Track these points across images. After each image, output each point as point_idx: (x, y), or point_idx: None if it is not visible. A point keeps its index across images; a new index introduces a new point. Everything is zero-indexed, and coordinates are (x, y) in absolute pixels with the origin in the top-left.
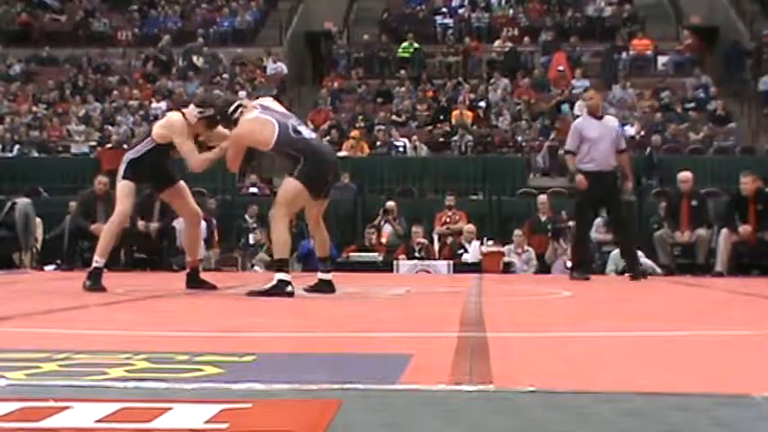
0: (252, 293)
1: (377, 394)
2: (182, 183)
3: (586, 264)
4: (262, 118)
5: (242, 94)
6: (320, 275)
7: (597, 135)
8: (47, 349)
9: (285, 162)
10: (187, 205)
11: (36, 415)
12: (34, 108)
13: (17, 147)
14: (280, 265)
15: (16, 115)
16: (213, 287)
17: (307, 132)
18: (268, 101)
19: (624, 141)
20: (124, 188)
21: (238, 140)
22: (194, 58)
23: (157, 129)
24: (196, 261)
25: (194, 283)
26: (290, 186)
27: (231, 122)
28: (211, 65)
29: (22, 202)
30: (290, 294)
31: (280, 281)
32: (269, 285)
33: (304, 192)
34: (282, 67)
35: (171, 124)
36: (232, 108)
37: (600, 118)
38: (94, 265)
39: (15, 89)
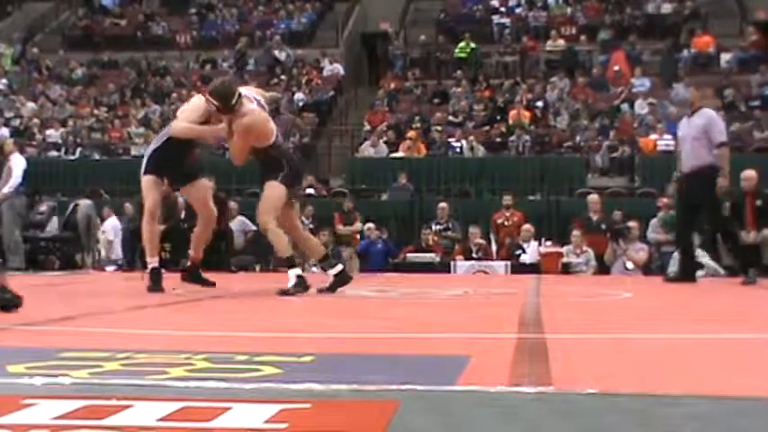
0: (282, 293)
1: (435, 395)
2: (204, 181)
3: (745, 266)
4: (264, 113)
5: (299, 96)
6: (330, 272)
7: (682, 134)
8: (109, 349)
9: (262, 163)
10: (204, 204)
11: (99, 413)
12: (95, 111)
13: (79, 149)
14: (291, 263)
15: (78, 118)
16: (212, 284)
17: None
18: (255, 91)
19: (720, 134)
20: (147, 183)
21: (245, 132)
22: (276, 53)
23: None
24: (198, 257)
25: (192, 278)
26: (274, 192)
27: (229, 110)
28: (290, 61)
29: (84, 203)
30: (308, 287)
31: (298, 276)
32: (291, 284)
33: (285, 194)
34: (339, 68)
35: (189, 102)
36: (234, 98)
37: (693, 114)
38: (150, 266)
39: (77, 93)
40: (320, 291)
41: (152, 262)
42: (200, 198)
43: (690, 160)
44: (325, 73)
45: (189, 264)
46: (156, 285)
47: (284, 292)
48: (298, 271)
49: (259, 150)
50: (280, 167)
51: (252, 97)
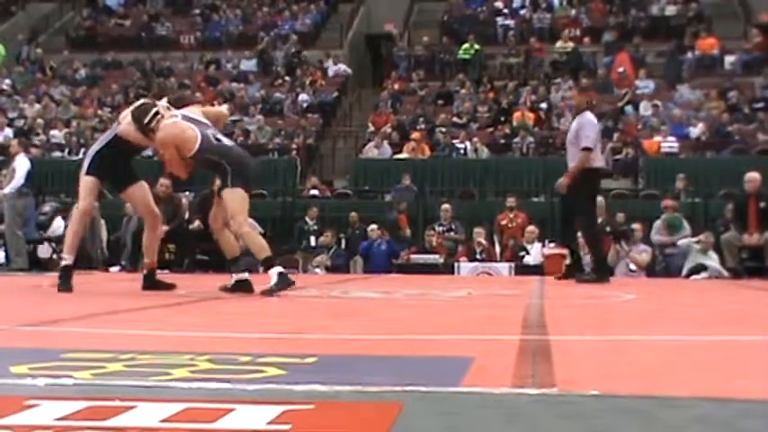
0: (265, 293)
1: (438, 397)
2: (143, 183)
3: (575, 266)
4: (182, 123)
5: (303, 97)
6: (235, 276)
7: (568, 138)
8: (112, 349)
9: (206, 168)
10: (147, 206)
11: (102, 414)
12: (99, 112)
13: (83, 150)
14: (269, 263)
15: (82, 119)
16: (171, 286)
17: (226, 140)
18: (191, 111)
19: (586, 139)
20: (87, 184)
21: (163, 145)
22: (302, 56)
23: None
24: (154, 263)
25: (150, 284)
26: (235, 196)
27: (146, 129)
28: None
29: None
30: (293, 283)
31: (279, 274)
32: (273, 282)
33: (246, 196)
34: (344, 68)
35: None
36: (148, 117)
37: (574, 119)
38: (63, 263)
39: (81, 93)
40: (221, 288)
41: (67, 259)
42: (141, 201)
43: (569, 162)
44: (330, 73)
45: (145, 271)
46: (65, 284)
47: (267, 292)
48: (278, 269)
49: (197, 159)
50: (224, 171)
51: (180, 114)
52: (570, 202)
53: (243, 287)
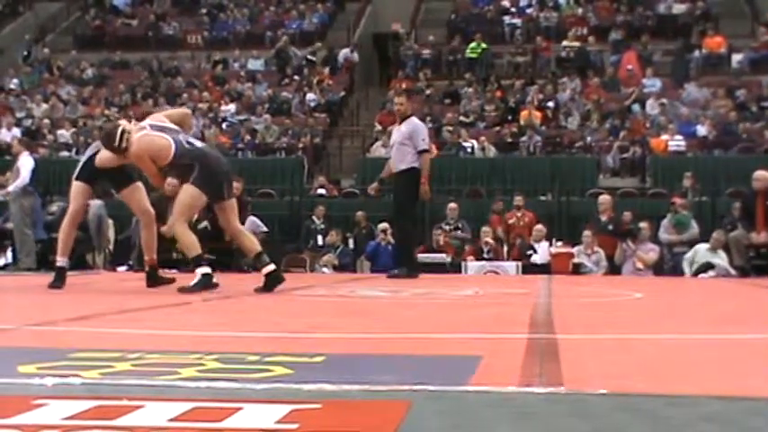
0: (182, 290)
1: (446, 395)
2: (139, 183)
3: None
4: (153, 134)
5: (310, 96)
6: (264, 271)
7: (392, 139)
8: (120, 349)
9: (181, 173)
10: (141, 207)
11: (110, 413)
12: (106, 111)
13: None
14: (197, 262)
15: (89, 118)
16: (171, 281)
17: (198, 143)
18: (155, 119)
19: (423, 142)
20: (76, 188)
21: (138, 159)
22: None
23: None
24: (154, 259)
25: (153, 280)
26: (187, 193)
27: (121, 151)
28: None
29: (95, 203)
30: (216, 286)
31: (203, 275)
32: (195, 281)
33: (201, 196)
34: (354, 56)
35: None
36: (117, 139)
37: (402, 122)
38: (58, 264)
39: (88, 93)
40: (256, 290)
41: (61, 261)
42: (136, 202)
43: (397, 164)
44: (340, 58)
45: (147, 268)
46: (57, 282)
47: (184, 290)
48: (205, 269)
49: (174, 166)
50: (191, 170)
51: (147, 125)
52: (395, 204)
53: (275, 279)
